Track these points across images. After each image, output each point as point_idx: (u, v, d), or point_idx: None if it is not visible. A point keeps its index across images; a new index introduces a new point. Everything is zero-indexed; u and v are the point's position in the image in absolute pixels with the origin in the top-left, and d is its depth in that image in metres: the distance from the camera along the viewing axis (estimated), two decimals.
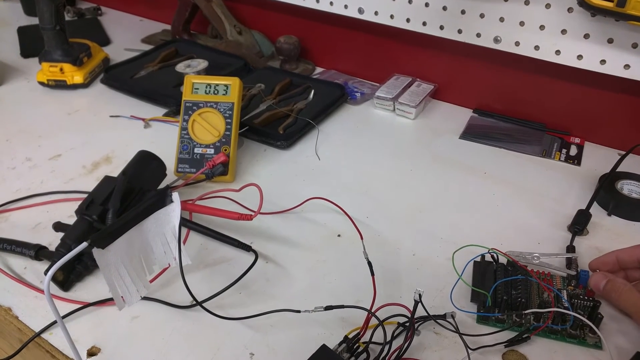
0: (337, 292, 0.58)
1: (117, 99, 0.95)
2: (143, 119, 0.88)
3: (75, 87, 0.98)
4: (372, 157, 0.80)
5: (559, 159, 0.79)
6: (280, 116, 0.86)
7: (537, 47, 0.78)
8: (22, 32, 1.20)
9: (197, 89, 0.75)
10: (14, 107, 0.94)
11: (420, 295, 0.48)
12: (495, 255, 0.58)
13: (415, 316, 0.49)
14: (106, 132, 0.86)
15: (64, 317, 0.55)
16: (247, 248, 0.60)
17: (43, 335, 0.54)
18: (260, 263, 0.61)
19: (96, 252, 0.45)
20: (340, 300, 0.56)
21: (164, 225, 0.50)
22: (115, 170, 0.76)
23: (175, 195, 0.50)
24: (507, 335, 0.52)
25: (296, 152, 0.81)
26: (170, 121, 0.88)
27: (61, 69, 0.96)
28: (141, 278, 0.49)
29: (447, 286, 0.58)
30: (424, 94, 0.90)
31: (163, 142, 0.81)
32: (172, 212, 0.50)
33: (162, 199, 0.50)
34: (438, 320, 0.52)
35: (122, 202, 0.59)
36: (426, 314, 0.51)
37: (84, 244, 0.44)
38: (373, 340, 0.50)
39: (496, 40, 0.80)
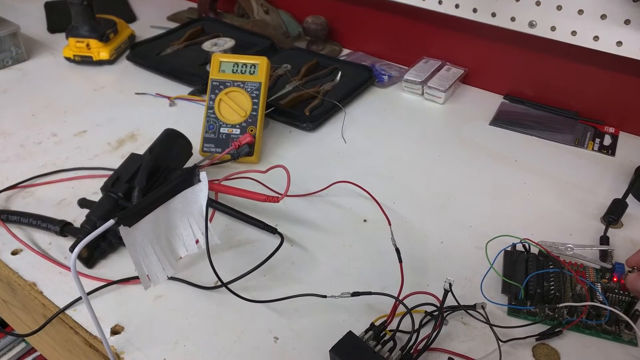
0: (363, 278, 0.57)
1: (143, 76, 0.95)
2: (168, 97, 0.87)
3: (101, 63, 0.97)
4: (400, 142, 0.78)
5: (592, 149, 0.77)
6: (307, 97, 0.85)
7: (574, 33, 0.75)
8: (49, 7, 1.19)
9: (225, 67, 0.74)
10: (40, 82, 0.94)
11: (450, 285, 0.47)
12: (527, 245, 0.57)
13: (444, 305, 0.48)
14: (131, 110, 0.86)
15: (88, 294, 0.55)
16: (272, 230, 0.59)
17: (67, 312, 0.54)
18: (285, 246, 0.60)
19: (123, 230, 0.44)
20: (366, 286, 0.55)
21: (191, 204, 0.50)
22: (140, 147, 0.76)
23: (203, 175, 0.49)
24: (539, 328, 0.50)
25: (322, 134, 0.80)
26: (195, 100, 0.87)
27: (87, 45, 0.96)
28: (168, 258, 0.48)
29: (476, 276, 0.56)
30: (453, 79, 0.87)
31: (188, 121, 0.80)
32: (200, 192, 0.49)
33: (189, 178, 0.49)
34: (468, 311, 0.51)
35: (148, 180, 0.58)
36: (456, 304, 0.49)
37: (111, 222, 0.43)
38: (400, 328, 0.49)
39: (531, 24, 0.78)
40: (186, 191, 0.49)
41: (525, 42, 0.82)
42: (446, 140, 0.78)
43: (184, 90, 0.90)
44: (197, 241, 0.51)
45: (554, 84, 0.84)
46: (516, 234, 0.59)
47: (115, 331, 0.52)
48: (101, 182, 0.68)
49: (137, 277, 0.56)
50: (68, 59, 0.98)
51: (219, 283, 0.55)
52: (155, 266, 0.47)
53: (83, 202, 0.61)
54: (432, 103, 0.87)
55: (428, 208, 0.66)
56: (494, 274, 0.56)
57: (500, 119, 0.82)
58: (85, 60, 0.97)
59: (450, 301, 0.49)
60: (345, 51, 1.03)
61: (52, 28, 1.11)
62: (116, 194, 0.58)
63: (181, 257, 0.51)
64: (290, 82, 0.88)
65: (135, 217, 0.45)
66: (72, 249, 0.57)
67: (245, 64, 0.74)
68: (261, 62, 0.73)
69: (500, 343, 0.47)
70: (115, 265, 0.58)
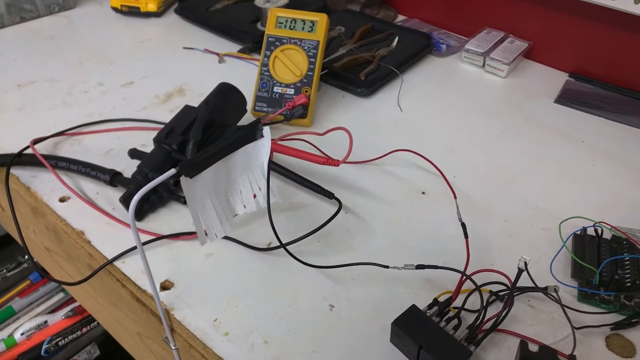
0: (422, 252, 0.54)
1: (191, 31, 0.92)
2: (217, 54, 0.84)
3: (148, 15, 0.95)
4: (459, 114, 0.74)
5: None
6: (361, 62, 0.81)
7: None
8: None
9: (282, 23, 0.71)
10: (86, 31, 0.92)
11: (526, 264, 0.44)
12: (600, 229, 0.53)
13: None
14: (179, 64, 0.83)
15: (135, 247, 0.53)
16: (329, 195, 0.57)
17: (115, 263, 0.52)
18: (340, 213, 0.57)
19: (184, 181, 0.42)
20: (424, 260, 0.52)
21: (252, 160, 0.47)
22: (189, 102, 0.72)
23: (266, 130, 0.46)
24: (612, 318, 0.47)
25: (376, 101, 0.76)
26: (245, 58, 0.84)
27: None
28: (226, 214, 0.46)
29: (543, 258, 0.53)
30: (517, 52, 0.83)
31: (237, 80, 0.77)
32: (262, 148, 0.47)
33: (252, 133, 0.46)
34: (536, 293, 0.48)
35: (203, 133, 0.56)
36: (528, 285, 0.46)
37: (172, 171, 0.41)
38: (465, 306, 0.46)
39: None
40: (248, 146, 0.46)
41: (599, 15, 0.76)
42: (509, 115, 0.74)
43: (233, 47, 0.87)
44: (254, 196, 0.48)
45: (627, 63, 0.78)
46: (585, 216, 0.55)
47: (164, 287, 0.50)
48: (149, 134, 0.66)
49: (187, 233, 0.54)
50: (115, 8, 0.95)
51: (272, 245, 0.53)
52: (213, 221, 0.45)
53: (134, 153, 0.58)
54: (494, 76, 0.82)
55: (491, 184, 0.62)
56: (562, 257, 0.53)
57: (566, 98, 0.78)
58: (132, 11, 0.95)
59: (519, 282, 0.46)
60: (400, 17, 0.98)
61: None
62: (170, 146, 0.55)
63: (237, 214, 0.48)
64: (344, 45, 0.84)
65: (197, 168, 0.42)
66: (122, 199, 0.55)
67: (303, 20, 0.70)
68: (320, 19, 0.70)
69: (576, 329, 0.44)
70: (164, 220, 0.56)
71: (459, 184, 0.62)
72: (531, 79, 0.82)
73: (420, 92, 0.78)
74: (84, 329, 0.94)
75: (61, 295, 0.99)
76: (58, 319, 0.93)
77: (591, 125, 0.73)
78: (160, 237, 0.54)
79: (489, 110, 0.75)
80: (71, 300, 0.99)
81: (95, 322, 0.95)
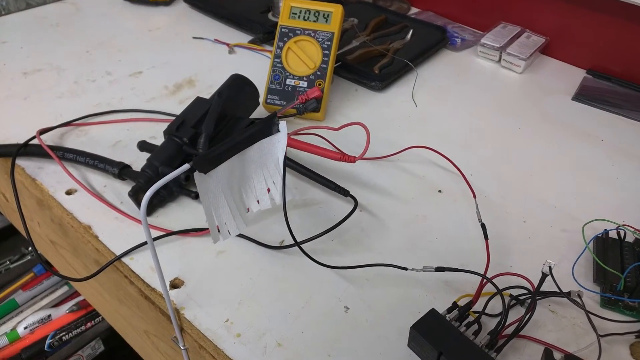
0: (438, 253, 0.52)
1: (200, 20, 0.90)
2: (227, 44, 0.83)
3: (156, 3, 0.93)
4: (475, 110, 0.72)
5: None
6: (375, 55, 0.79)
7: None
8: None
9: (295, 14, 0.69)
10: (93, 19, 0.90)
11: (550, 268, 0.42)
12: (623, 232, 0.52)
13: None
14: (188, 54, 0.81)
15: (144, 243, 0.51)
16: (344, 193, 0.55)
17: (123, 259, 0.51)
18: (355, 211, 0.55)
19: (198, 177, 0.40)
20: (441, 261, 0.50)
21: (267, 156, 0.45)
22: (199, 94, 0.71)
23: (282, 124, 0.45)
24: (637, 326, 0.45)
25: (390, 95, 0.75)
26: (256, 49, 0.82)
27: None
28: (240, 212, 0.44)
29: (563, 261, 0.51)
30: (534, 47, 0.81)
31: (248, 71, 0.75)
32: (278, 143, 0.45)
33: (268, 127, 0.44)
34: (557, 298, 0.46)
35: (215, 127, 0.54)
36: (551, 289, 0.45)
37: (186, 166, 0.39)
38: (485, 311, 0.44)
39: None
40: (263, 141, 0.45)
41: (617, 10, 0.74)
42: (526, 112, 0.72)
43: (244, 37, 0.85)
44: (268, 190, 0.46)
45: None
46: (606, 218, 0.53)
47: (174, 285, 0.48)
48: (158, 126, 0.65)
49: (198, 229, 0.52)
50: None
51: (285, 243, 0.52)
52: (227, 218, 0.43)
53: (143, 145, 0.57)
54: (510, 72, 0.80)
55: (509, 183, 0.61)
56: (582, 260, 0.51)
57: (584, 95, 0.76)
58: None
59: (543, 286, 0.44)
60: (414, 10, 0.96)
61: None
62: (181, 139, 0.54)
63: (249, 211, 0.47)
64: (357, 37, 0.82)
65: (211, 163, 0.41)
66: (132, 192, 0.53)
67: (318, 12, 0.68)
68: (335, 10, 0.68)
69: (600, 337, 0.43)
70: (174, 216, 0.55)
71: (476, 182, 0.60)
72: (548, 75, 0.80)
73: (435, 87, 0.76)
74: (89, 324, 0.92)
75: (65, 288, 0.97)
76: (62, 313, 0.92)
77: (610, 124, 0.71)
78: (170, 233, 0.52)
79: (505, 106, 0.73)
80: (75, 294, 0.97)
81: (100, 317, 0.94)
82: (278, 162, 0.46)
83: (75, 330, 0.90)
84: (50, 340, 0.88)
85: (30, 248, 1.02)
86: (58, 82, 0.74)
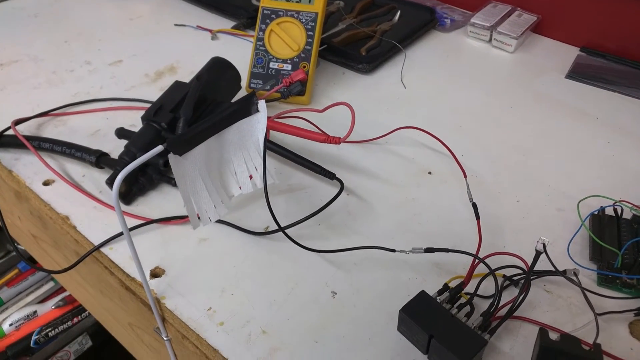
0: (429, 235, 0.50)
1: (182, 7, 0.88)
2: (210, 30, 0.80)
3: None
4: (465, 90, 0.70)
5: None
6: (362, 37, 0.77)
7: None
8: None
9: None
10: (71, 8, 0.88)
11: (544, 245, 0.40)
12: (620, 208, 0.50)
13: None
14: (170, 41, 0.79)
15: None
16: (330, 176, 0.53)
17: (102, 250, 0.49)
18: (342, 195, 0.53)
19: (172, 159, 0.38)
20: (432, 244, 0.49)
21: (246, 137, 0.43)
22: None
23: (261, 104, 0.43)
24: (636, 303, 0.44)
25: (378, 77, 0.73)
26: (239, 34, 0.80)
27: None
28: (221, 196, 0.42)
29: (558, 240, 0.50)
30: (525, 26, 0.79)
31: (231, 57, 0.72)
32: (257, 124, 0.43)
33: (247, 107, 0.42)
34: (552, 277, 0.45)
35: (195, 111, 0.52)
36: (545, 268, 0.43)
37: (160, 148, 0.37)
38: (477, 292, 0.43)
39: None
40: (242, 121, 0.43)
41: None
42: (518, 91, 0.70)
43: (227, 23, 0.83)
44: (250, 176, 0.44)
45: None
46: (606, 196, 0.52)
47: (155, 274, 0.46)
48: (138, 114, 0.63)
49: (179, 217, 0.50)
50: None
51: (269, 229, 0.50)
52: (206, 204, 0.41)
53: (121, 132, 0.55)
54: (501, 51, 0.78)
55: (501, 163, 0.59)
56: (578, 238, 0.49)
57: (578, 73, 0.74)
58: None
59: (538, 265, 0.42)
60: None
61: None
62: (159, 124, 0.52)
63: (233, 196, 0.45)
64: (343, 20, 0.80)
65: (186, 144, 0.39)
66: (109, 181, 0.51)
67: None
68: None
69: (597, 315, 0.41)
70: (154, 203, 0.53)
71: (467, 163, 0.58)
72: (541, 53, 0.78)
73: (424, 68, 0.74)
74: (75, 319, 0.90)
75: (51, 284, 0.95)
76: (48, 309, 0.90)
77: (605, 101, 0.69)
78: (150, 222, 0.50)
79: (497, 86, 0.71)
80: (61, 289, 0.95)
81: (87, 312, 0.92)
82: (258, 144, 0.44)
83: (62, 326, 0.88)
84: (36, 337, 0.86)
85: (15, 243, 1.00)
86: (36, 72, 0.72)
